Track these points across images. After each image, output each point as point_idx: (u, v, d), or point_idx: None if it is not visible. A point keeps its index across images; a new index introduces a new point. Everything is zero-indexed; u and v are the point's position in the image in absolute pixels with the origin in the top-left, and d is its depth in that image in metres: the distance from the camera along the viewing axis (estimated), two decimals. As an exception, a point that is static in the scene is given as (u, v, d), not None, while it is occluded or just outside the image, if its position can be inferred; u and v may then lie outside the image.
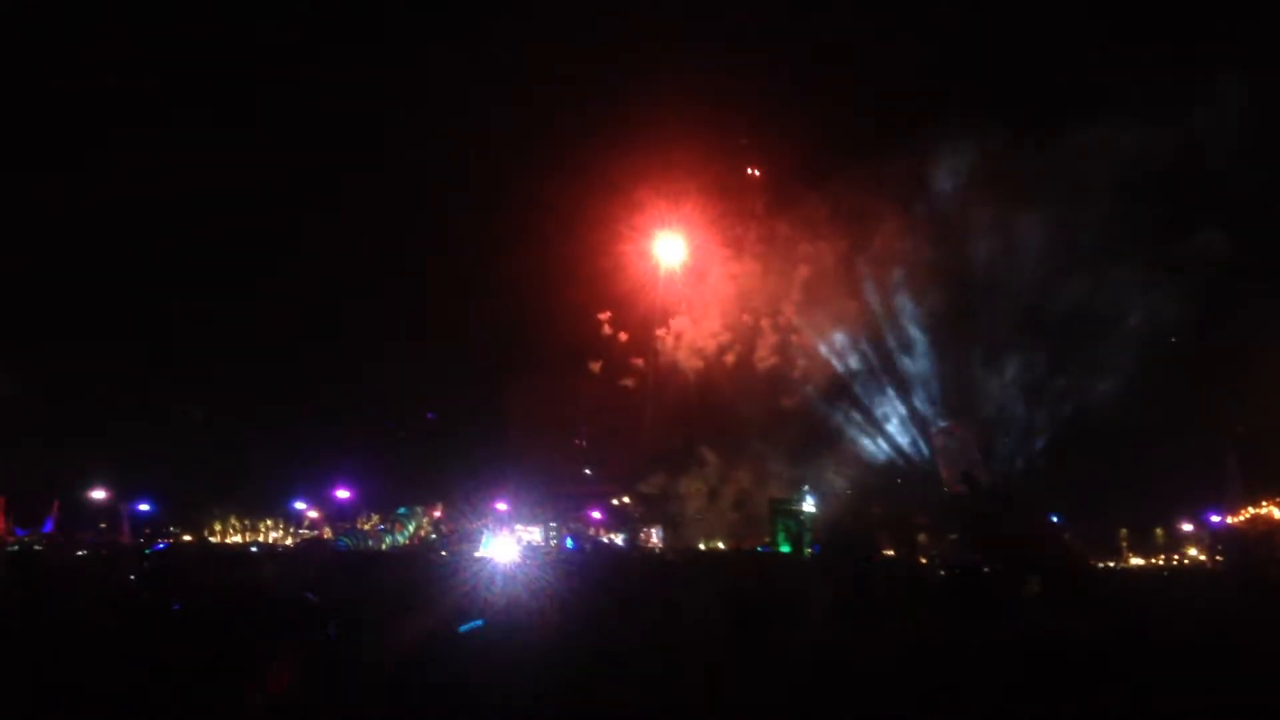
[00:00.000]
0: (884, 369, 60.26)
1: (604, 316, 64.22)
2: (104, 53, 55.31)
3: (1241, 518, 58.69)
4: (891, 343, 60.06)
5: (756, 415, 60.90)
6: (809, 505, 58.11)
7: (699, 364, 64.00)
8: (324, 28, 66.76)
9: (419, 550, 51.44)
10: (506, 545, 49.88)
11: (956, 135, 52.01)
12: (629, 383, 65.03)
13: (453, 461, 61.78)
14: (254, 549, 53.06)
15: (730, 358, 63.53)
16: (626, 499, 67.79)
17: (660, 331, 64.74)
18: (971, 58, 57.54)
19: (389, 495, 63.50)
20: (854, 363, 60.95)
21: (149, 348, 61.72)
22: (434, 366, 64.80)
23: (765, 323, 62.58)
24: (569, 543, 56.88)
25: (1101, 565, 40.80)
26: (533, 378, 64.03)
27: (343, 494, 58.44)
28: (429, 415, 62.76)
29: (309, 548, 50.13)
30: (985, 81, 57.36)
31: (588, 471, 66.21)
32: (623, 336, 64.96)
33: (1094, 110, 51.06)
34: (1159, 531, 62.89)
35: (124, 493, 57.96)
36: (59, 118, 57.19)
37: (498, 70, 65.88)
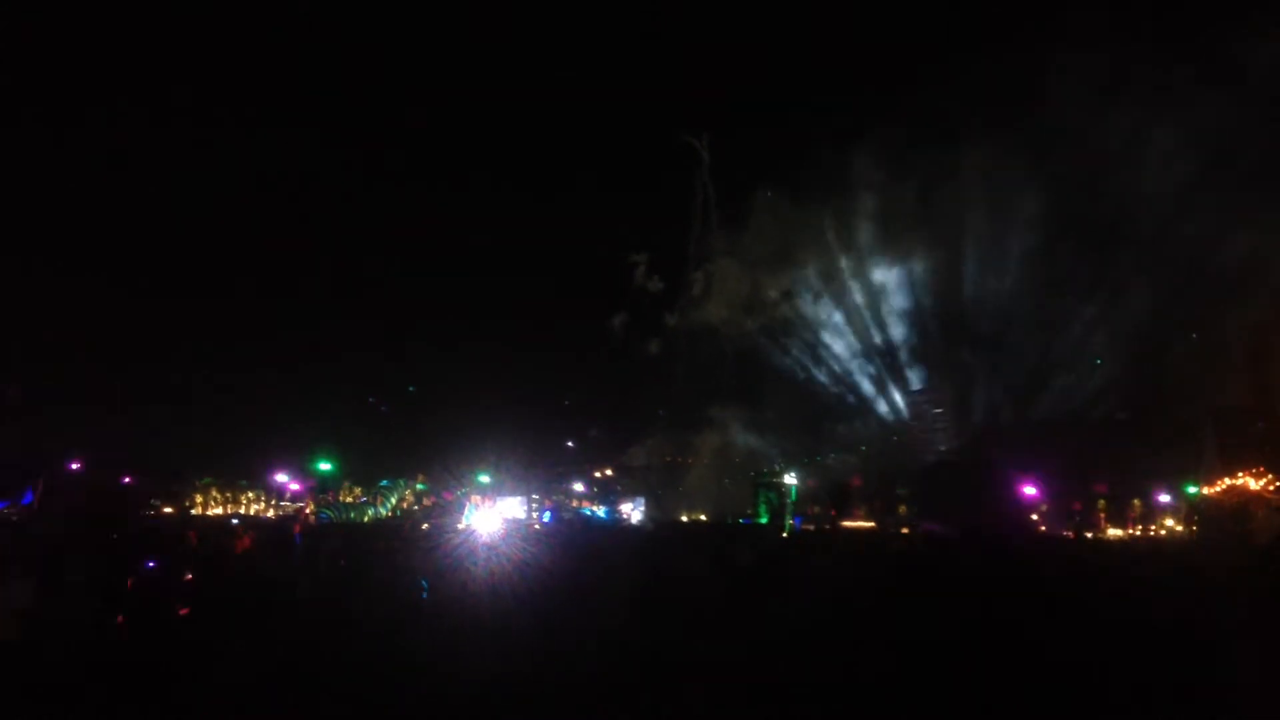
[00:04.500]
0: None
1: (638, 259, 62.86)
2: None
3: (1217, 489, 59.09)
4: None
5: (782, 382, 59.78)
6: (790, 478, 58.35)
7: (726, 324, 62.56)
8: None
9: (400, 521, 51.34)
10: (489, 518, 49.88)
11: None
12: (652, 347, 64.00)
13: (435, 435, 61.70)
14: (234, 520, 52.80)
15: (762, 317, 62.07)
16: (609, 471, 67.80)
17: (695, 275, 63.27)
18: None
19: (371, 468, 63.40)
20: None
21: (132, 321, 61.13)
22: (417, 341, 64.47)
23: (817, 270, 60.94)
24: (546, 515, 56.94)
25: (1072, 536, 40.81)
26: (521, 349, 63.56)
27: (325, 467, 58.15)
28: (409, 388, 62.63)
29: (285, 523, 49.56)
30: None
31: (570, 444, 66.28)
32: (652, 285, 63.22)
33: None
34: (1136, 503, 63.33)
35: (103, 464, 57.48)
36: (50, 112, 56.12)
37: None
